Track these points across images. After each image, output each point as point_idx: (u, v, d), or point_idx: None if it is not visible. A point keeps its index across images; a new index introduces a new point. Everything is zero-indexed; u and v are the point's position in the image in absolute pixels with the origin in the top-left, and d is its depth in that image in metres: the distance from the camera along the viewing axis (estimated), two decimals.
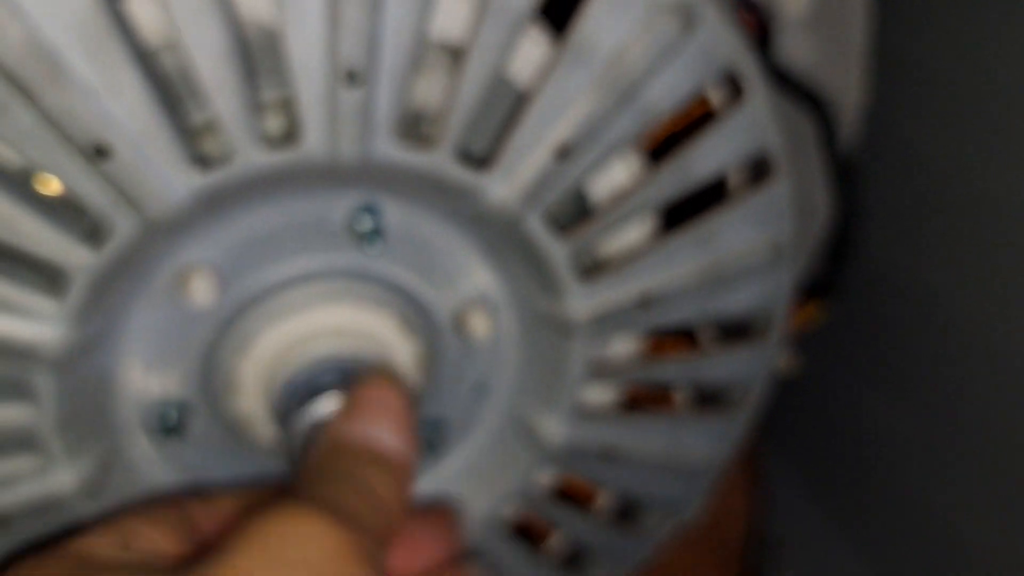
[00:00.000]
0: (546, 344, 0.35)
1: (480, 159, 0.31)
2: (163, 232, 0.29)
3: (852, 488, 0.52)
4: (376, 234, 0.33)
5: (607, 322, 0.34)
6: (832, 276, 0.45)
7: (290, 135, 0.28)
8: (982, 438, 0.44)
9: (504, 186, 0.31)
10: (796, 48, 0.42)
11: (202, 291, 0.32)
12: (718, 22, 0.30)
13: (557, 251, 0.32)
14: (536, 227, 0.32)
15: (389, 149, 0.29)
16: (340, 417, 0.29)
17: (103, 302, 0.30)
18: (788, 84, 0.40)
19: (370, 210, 0.33)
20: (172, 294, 0.32)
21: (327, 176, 0.30)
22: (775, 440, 0.52)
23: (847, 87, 0.44)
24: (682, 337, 0.37)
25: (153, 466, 0.34)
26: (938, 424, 0.46)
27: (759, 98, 0.32)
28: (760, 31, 0.40)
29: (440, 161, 0.30)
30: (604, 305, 0.34)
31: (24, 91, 0.26)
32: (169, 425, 0.34)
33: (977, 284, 0.42)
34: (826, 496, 0.54)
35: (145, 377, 0.33)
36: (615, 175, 0.33)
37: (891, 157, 0.45)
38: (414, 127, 0.30)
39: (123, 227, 0.28)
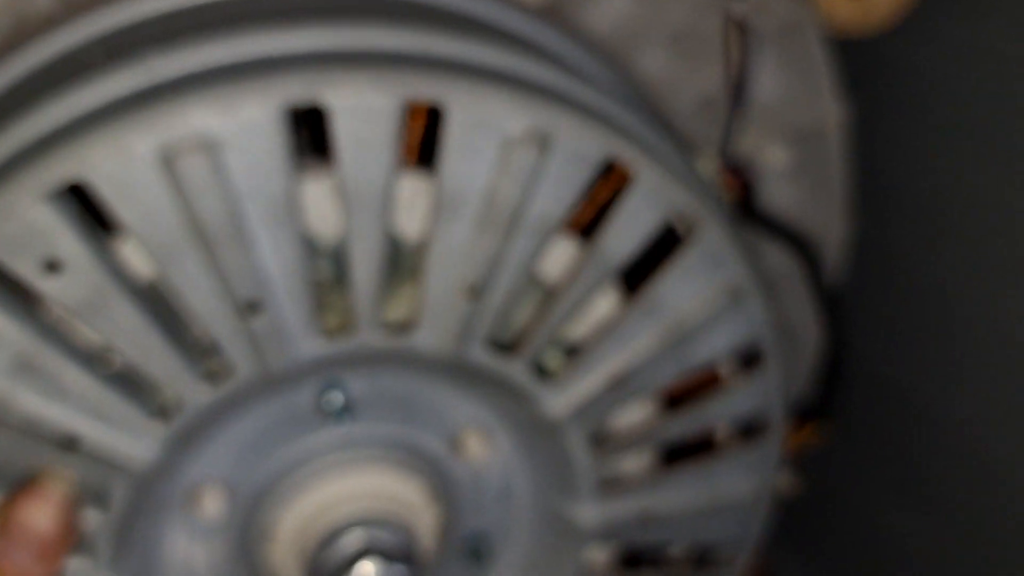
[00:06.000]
0: (547, 443, 0.38)
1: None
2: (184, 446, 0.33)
3: None
4: (346, 409, 0.36)
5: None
6: (825, 399, 0.48)
7: (223, 371, 0.32)
8: (985, 536, 0.47)
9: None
10: (781, 195, 0.47)
11: (213, 506, 0.36)
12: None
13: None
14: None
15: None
16: None
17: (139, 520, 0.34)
18: (774, 228, 0.45)
19: (335, 387, 0.36)
20: (188, 511, 0.36)
21: (274, 381, 0.34)
22: (790, 552, 0.53)
23: (830, 225, 0.48)
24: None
25: None
26: (951, 530, 0.48)
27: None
28: (744, 186, 0.45)
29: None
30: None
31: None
32: None
33: (977, 392, 0.46)
34: None
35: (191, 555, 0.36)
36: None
37: (890, 280, 0.49)
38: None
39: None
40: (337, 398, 0.36)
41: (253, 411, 0.35)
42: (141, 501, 0.34)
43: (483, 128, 0.31)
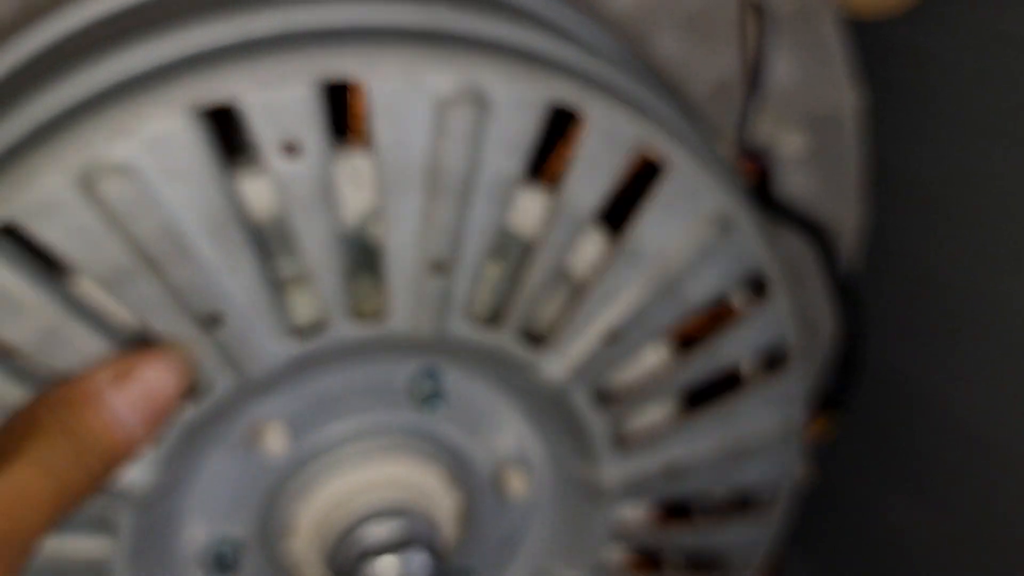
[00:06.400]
0: (575, 506, 0.39)
1: (537, 337, 0.35)
2: (252, 390, 0.32)
3: None
4: (436, 397, 0.36)
5: (634, 488, 0.38)
6: (840, 391, 0.47)
7: (378, 312, 0.32)
8: (993, 532, 0.45)
9: (557, 364, 0.35)
10: (796, 183, 0.47)
11: (275, 443, 0.35)
12: (752, 231, 0.35)
13: (597, 423, 0.36)
14: (581, 400, 0.35)
15: (462, 329, 0.33)
16: (102, 378, 0.29)
17: (188, 450, 0.33)
18: (789, 216, 0.45)
19: (431, 375, 0.36)
20: (246, 445, 0.35)
21: (399, 346, 0.34)
22: (799, 548, 0.53)
23: (846, 214, 0.47)
24: None
25: None
26: (957, 525, 0.47)
27: (781, 298, 0.36)
28: (760, 173, 0.45)
29: (504, 339, 0.34)
30: (633, 473, 0.37)
31: (153, 266, 0.29)
32: (224, 563, 0.36)
33: (984, 386, 0.45)
34: None
35: (208, 518, 0.36)
36: (647, 359, 0.37)
37: (897, 270, 0.48)
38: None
39: (222, 386, 0.31)
40: (428, 385, 0.36)
41: (351, 368, 0.34)
42: (144, 524, 0.33)
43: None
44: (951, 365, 0.47)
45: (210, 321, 0.30)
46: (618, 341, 0.35)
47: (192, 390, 0.31)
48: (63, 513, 0.27)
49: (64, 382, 0.29)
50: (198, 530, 0.36)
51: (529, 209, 0.34)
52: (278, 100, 0.28)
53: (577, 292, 0.34)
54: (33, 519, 0.26)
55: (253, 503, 0.36)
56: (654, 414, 0.38)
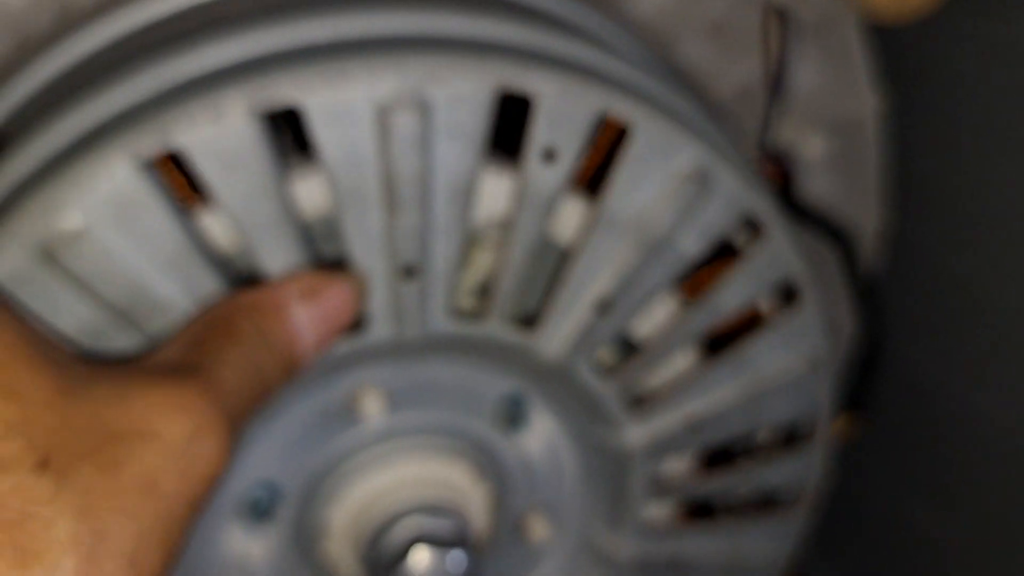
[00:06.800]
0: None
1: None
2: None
3: None
4: (518, 421, 0.37)
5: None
6: (861, 392, 0.48)
7: (358, 324, 0.32)
8: (1017, 535, 0.45)
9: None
10: (818, 187, 0.47)
11: (373, 408, 0.35)
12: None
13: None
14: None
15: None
16: (292, 291, 0.29)
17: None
18: (810, 218, 0.45)
19: (518, 402, 0.37)
20: (343, 406, 0.35)
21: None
22: (821, 551, 0.54)
23: (867, 217, 0.48)
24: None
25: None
26: (981, 529, 0.47)
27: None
28: (783, 176, 0.45)
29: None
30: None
31: (392, 202, 0.30)
32: (260, 510, 0.37)
33: (1009, 389, 0.45)
34: None
35: (262, 459, 0.36)
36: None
37: (921, 274, 0.48)
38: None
39: (378, 334, 0.32)
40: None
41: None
42: None
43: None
44: (976, 368, 0.46)
45: (407, 271, 0.31)
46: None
47: (356, 324, 0.32)
48: (257, 413, 0.28)
49: (257, 288, 0.30)
50: (247, 469, 0.36)
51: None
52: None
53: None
54: (243, 415, 0.27)
55: (313, 462, 0.36)
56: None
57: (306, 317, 0.29)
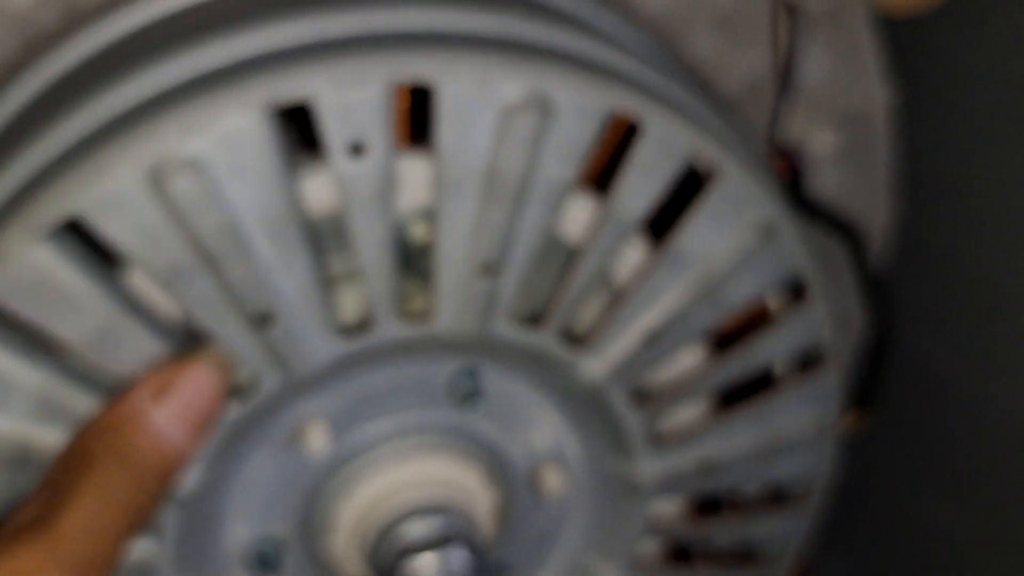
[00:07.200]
0: (611, 501, 0.39)
1: (577, 337, 0.35)
2: (297, 389, 0.33)
3: None
4: (475, 396, 0.36)
5: (669, 484, 0.38)
6: (871, 386, 0.47)
7: (425, 312, 0.32)
8: None
9: (596, 364, 0.35)
10: (828, 180, 0.47)
11: (317, 442, 0.35)
12: (793, 237, 0.35)
13: (634, 421, 0.37)
14: (619, 399, 0.36)
15: (507, 330, 0.33)
16: (142, 396, 0.29)
17: (232, 450, 0.33)
18: (819, 214, 0.45)
19: (470, 374, 0.36)
20: (288, 443, 0.35)
21: (442, 345, 0.34)
22: (830, 545, 0.52)
23: (877, 211, 0.47)
24: None
25: None
26: (994, 523, 0.47)
27: (819, 303, 0.37)
28: (792, 172, 0.45)
29: (546, 340, 0.34)
30: (669, 470, 0.38)
31: (211, 264, 0.30)
32: (266, 562, 0.37)
33: (1014, 382, 0.45)
34: None
35: (249, 517, 0.36)
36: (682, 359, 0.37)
37: (933, 267, 0.48)
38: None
39: (268, 385, 0.32)
40: (468, 384, 0.36)
41: (392, 367, 0.35)
42: (188, 524, 0.34)
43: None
44: (986, 361, 0.47)
45: (261, 320, 0.31)
46: (656, 343, 0.35)
47: (236, 390, 0.31)
48: (132, 536, 0.28)
49: (107, 407, 0.29)
50: (241, 529, 0.36)
51: (573, 214, 0.34)
52: (352, 100, 0.29)
53: (619, 295, 0.35)
54: (105, 550, 0.27)
55: (294, 502, 0.36)
56: (689, 412, 0.39)
57: (165, 417, 0.29)
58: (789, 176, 0.45)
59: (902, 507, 0.53)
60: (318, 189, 0.31)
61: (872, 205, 0.48)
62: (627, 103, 0.32)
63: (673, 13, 0.42)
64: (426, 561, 0.35)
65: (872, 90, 0.46)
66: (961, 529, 0.50)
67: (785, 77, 0.43)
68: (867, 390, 0.48)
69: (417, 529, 0.36)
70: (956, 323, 0.48)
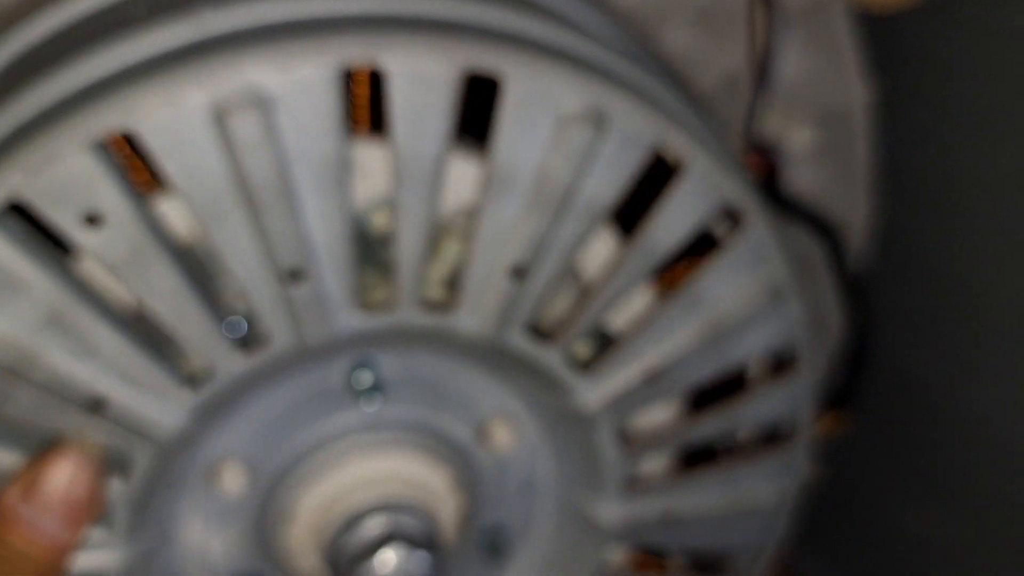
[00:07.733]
0: (575, 435, 0.37)
1: (442, 303, 0.33)
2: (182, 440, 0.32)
3: None
4: (376, 388, 0.35)
5: (622, 403, 0.36)
6: (849, 387, 0.47)
7: (258, 338, 0.31)
8: (1010, 532, 0.45)
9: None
10: (805, 178, 0.46)
11: (234, 483, 0.35)
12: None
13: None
14: (519, 343, 0.34)
15: (351, 321, 0.32)
16: (12, 496, 0.30)
17: (153, 516, 0.33)
18: (797, 212, 0.44)
19: (366, 366, 0.35)
20: (208, 490, 0.35)
21: (308, 355, 0.33)
22: (811, 548, 0.51)
23: (854, 209, 0.47)
24: None
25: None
26: (972, 526, 0.47)
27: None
28: (768, 168, 0.44)
29: (402, 315, 0.32)
30: (613, 390, 0.36)
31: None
32: None
33: (1000, 385, 0.45)
34: None
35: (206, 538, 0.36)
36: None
37: (912, 268, 0.48)
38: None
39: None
40: (367, 377, 0.35)
41: (281, 386, 0.34)
42: (162, 472, 0.32)
43: (540, 103, 0.30)
44: (967, 364, 0.46)
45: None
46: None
47: (114, 467, 0.31)
48: None
49: None
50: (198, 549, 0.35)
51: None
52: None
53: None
54: None
55: (246, 538, 0.36)
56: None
57: (38, 512, 0.29)
58: (765, 172, 0.44)
59: (881, 508, 0.53)
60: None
61: (850, 203, 0.47)
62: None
63: (649, 8, 0.42)
64: (385, 559, 0.34)
65: (851, 87, 0.45)
66: (938, 530, 0.49)
67: (762, 73, 0.42)
68: (845, 392, 0.47)
69: (376, 527, 0.35)
70: (933, 324, 0.47)
